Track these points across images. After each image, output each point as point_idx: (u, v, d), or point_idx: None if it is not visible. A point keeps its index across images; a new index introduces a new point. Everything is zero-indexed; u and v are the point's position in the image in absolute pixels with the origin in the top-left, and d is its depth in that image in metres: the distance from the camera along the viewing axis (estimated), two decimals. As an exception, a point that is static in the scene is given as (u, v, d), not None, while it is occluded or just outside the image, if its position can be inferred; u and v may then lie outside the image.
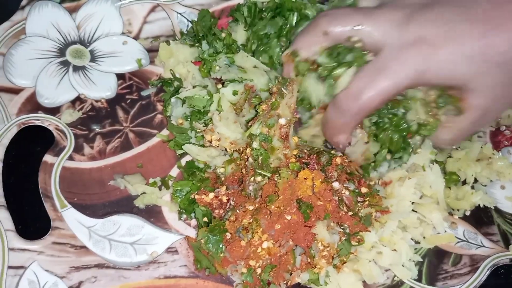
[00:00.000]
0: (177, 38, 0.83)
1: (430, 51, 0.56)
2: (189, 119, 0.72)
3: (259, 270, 0.62)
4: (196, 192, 0.67)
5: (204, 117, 0.71)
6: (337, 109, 0.62)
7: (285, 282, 0.62)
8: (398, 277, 0.64)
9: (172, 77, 0.78)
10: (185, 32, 0.84)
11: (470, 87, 0.58)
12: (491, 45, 0.55)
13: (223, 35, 0.77)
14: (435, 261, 0.66)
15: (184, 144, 0.71)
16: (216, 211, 0.67)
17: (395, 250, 0.64)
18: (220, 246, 0.62)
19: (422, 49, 0.57)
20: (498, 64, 0.55)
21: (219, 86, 0.73)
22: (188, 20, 0.86)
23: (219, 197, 0.67)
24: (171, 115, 0.74)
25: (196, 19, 0.84)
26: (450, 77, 0.58)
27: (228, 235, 0.63)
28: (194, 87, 0.74)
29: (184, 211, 0.68)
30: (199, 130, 0.71)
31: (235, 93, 0.71)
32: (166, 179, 0.71)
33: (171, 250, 0.66)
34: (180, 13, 0.86)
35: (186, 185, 0.68)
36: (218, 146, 0.70)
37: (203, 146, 0.71)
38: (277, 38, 0.75)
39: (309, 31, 0.65)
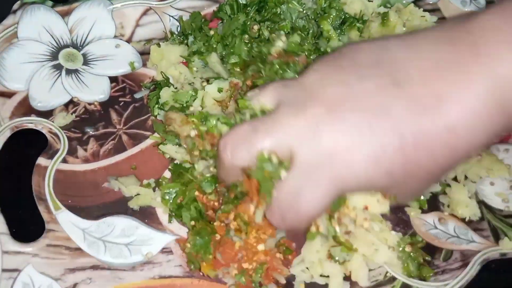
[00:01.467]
0: (168, 40, 0.84)
1: (347, 168, 0.50)
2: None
3: (251, 272, 0.63)
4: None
5: (185, 112, 0.71)
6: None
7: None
8: (390, 273, 0.65)
9: (164, 79, 0.78)
10: (175, 33, 0.85)
11: (388, 192, 0.57)
12: (410, 162, 0.49)
13: (212, 32, 0.78)
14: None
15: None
16: (210, 211, 0.68)
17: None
18: (208, 248, 0.63)
19: (337, 167, 0.50)
20: (419, 178, 0.51)
21: (204, 83, 0.73)
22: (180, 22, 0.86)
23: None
24: (158, 114, 0.75)
25: (182, 25, 0.85)
26: (370, 190, 0.56)
27: (218, 237, 0.64)
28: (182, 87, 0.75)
29: (174, 214, 0.68)
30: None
31: (220, 90, 0.71)
32: (160, 180, 0.71)
33: (166, 251, 0.67)
34: (172, 16, 0.87)
35: (174, 187, 0.69)
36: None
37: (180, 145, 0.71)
38: (241, 36, 0.75)
39: (221, 168, 0.59)
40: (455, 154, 0.49)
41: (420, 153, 0.49)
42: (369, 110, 0.50)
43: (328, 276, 0.64)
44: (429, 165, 0.50)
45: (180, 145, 0.71)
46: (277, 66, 0.68)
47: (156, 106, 0.76)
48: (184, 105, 0.71)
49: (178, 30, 0.86)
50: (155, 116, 0.76)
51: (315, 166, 0.52)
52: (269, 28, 0.76)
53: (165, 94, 0.74)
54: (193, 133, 0.66)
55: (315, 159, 0.51)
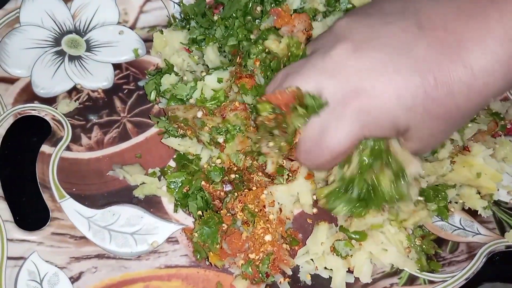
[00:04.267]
0: (171, 25, 0.83)
1: (370, 104, 0.52)
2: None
3: (258, 262, 0.63)
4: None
5: (185, 103, 0.71)
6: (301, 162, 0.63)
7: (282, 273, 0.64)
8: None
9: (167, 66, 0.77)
10: (179, 18, 0.84)
11: (408, 136, 0.56)
12: (430, 99, 0.51)
13: (216, 18, 0.77)
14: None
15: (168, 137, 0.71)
16: (216, 201, 0.68)
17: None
18: (216, 237, 0.63)
19: (363, 102, 0.53)
20: (437, 116, 0.53)
21: (204, 73, 0.72)
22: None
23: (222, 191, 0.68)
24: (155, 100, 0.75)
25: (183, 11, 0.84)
26: (390, 129, 0.55)
27: (225, 226, 0.64)
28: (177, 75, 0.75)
29: (179, 204, 0.68)
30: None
31: (220, 80, 0.70)
32: (165, 169, 0.71)
33: (171, 240, 0.66)
34: (176, 3, 0.85)
35: (179, 176, 0.68)
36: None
37: (183, 136, 0.71)
38: (243, 17, 0.74)
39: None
40: (473, 95, 0.51)
41: (440, 91, 0.50)
42: (393, 49, 0.52)
43: (332, 270, 0.64)
44: (448, 103, 0.51)
45: (183, 136, 0.70)
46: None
47: (155, 92, 0.75)
48: (184, 98, 0.71)
49: (181, 16, 0.84)
50: (152, 102, 0.76)
51: (341, 103, 0.54)
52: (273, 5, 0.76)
53: (166, 82, 0.73)
54: (199, 113, 0.66)
55: (341, 95, 0.54)
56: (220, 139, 0.66)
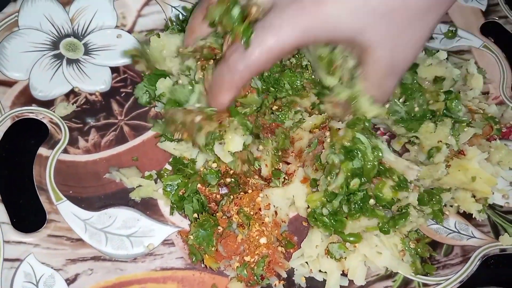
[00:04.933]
0: (169, 27, 0.83)
1: (313, 7, 0.55)
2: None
3: (253, 265, 0.63)
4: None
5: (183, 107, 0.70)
6: (226, 66, 0.61)
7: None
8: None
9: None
10: (176, 21, 0.84)
11: (364, 41, 0.57)
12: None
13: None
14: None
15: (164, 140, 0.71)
16: (212, 204, 0.68)
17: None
18: (211, 240, 0.63)
19: (306, 5, 0.55)
20: (382, 15, 0.55)
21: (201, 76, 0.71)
22: (182, 13, 0.86)
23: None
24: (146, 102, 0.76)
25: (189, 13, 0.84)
26: (337, 33, 0.56)
27: (220, 229, 0.64)
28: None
29: (175, 206, 0.68)
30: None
31: None
32: (162, 172, 0.71)
33: (167, 243, 0.67)
34: (174, 7, 0.86)
35: (176, 179, 0.68)
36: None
37: (179, 140, 0.70)
38: None
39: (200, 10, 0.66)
40: None
41: None
42: None
43: (326, 272, 0.65)
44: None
45: (179, 140, 0.71)
46: None
47: (147, 95, 0.75)
48: (183, 102, 0.70)
49: (179, 19, 0.85)
50: (144, 105, 0.76)
51: (287, 5, 0.56)
52: None
53: (162, 85, 0.73)
54: (198, 118, 0.66)
55: (294, 7, 0.55)
56: (210, 156, 0.66)
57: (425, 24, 0.58)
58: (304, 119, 0.68)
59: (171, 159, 0.72)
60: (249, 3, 0.59)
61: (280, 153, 0.68)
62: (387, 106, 0.72)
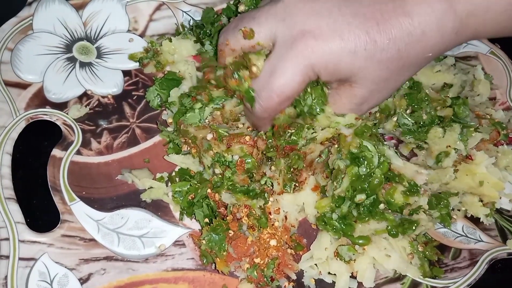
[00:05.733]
0: (180, 33, 0.85)
1: (316, 45, 0.56)
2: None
3: (263, 267, 0.64)
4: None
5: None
6: (247, 110, 0.65)
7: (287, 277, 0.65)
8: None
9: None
10: (187, 27, 0.86)
11: (354, 80, 0.59)
12: (373, 42, 0.55)
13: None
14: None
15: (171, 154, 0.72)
16: (222, 209, 0.69)
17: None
18: (223, 244, 0.64)
19: (308, 43, 0.56)
20: (379, 61, 0.57)
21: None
22: (193, 18, 0.87)
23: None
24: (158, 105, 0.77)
25: (200, 17, 0.86)
26: (336, 71, 0.58)
27: (231, 233, 0.65)
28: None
29: (185, 212, 0.69)
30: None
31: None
32: (173, 175, 0.72)
33: (178, 243, 0.68)
34: (185, 12, 0.87)
35: (184, 185, 0.69)
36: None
37: (188, 153, 0.72)
38: None
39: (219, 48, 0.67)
40: (412, 42, 0.56)
41: (383, 36, 0.56)
42: (343, 9, 0.57)
43: (335, 275, 0.65)
44: (390, 48, 0.56)
45: (185, 153, 0.71)
46: None
47: (158, 98, 0.77)
48: (198, 123, 0.70)
49: (190, 24, 0.86)
50: (153, 107, 0.77)
51: (289, 44, 0.58)
52: None
53: (174, 94, 0.75)
54: (209, 136, 0.67)
55: (289, 37, 0.58)
56: (217, 170, 0.67)
57: (407, 74, 0.62)
58: (316, 132, 0.69)
59: (178, 169, 0.73)
60: (248, 59, 0.61)
61: (292, 173, 0.68)
62: (394, 119, 0.73)
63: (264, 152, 0.68)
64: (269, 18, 0.60)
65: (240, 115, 0.71)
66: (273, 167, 0.68)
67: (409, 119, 0.72)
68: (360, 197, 0.61)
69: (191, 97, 0.71)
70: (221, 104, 0.70)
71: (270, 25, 0.59)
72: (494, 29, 0.58)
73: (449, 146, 0.69)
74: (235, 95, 0.68)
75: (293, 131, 0.66)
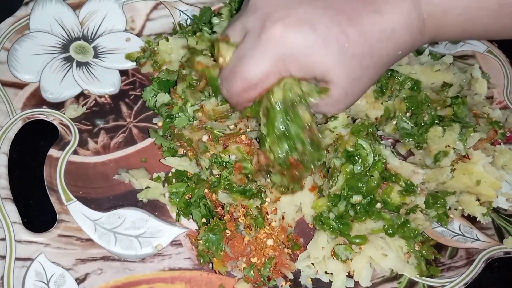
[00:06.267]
0: (177, 31, 0.85)
1: (285, 32, 0.55)
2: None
3: (260, 266, 0.64)
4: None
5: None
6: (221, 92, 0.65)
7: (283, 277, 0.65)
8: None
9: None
10: (184, 25, 0.86)
11: (329, 78, 0.57)
12: (345, 35, 0.55)
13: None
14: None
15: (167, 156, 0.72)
16: (219, 209, 0.69)
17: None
18: (220, 244, 0.64)
19: (278, 30, 0.55)
20: (352, 56, 0.56)
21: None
22: (190, 18, 0.87)
23: None
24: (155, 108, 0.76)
25: (194, 17, 0.86)
26: (309, 65, 0.56)
27: (228, 233, 0.65)
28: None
29: (182, 213, 0.69)
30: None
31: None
32: (170, 175, 0.72)
33: (175, 243, 0.67)
34: (182, 11, 0.87)
35: (181, 186, 0.69)
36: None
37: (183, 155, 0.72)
38: None
39: None
40: (384, 38, 0.57)
41: (354, 30, 0.56)
42: (313, 3, 0.56)
43: (332, 274, 0.65)
44: (361, 43, 0.56)
45: (182, 156, 0.71)
46: None
47: (154, 99, 0.76)
48: (187, 126, 0.70)
49: (187, 23, 0.86)
50: (150, 108, 0.77)
51: (258, 33, 0.56)
52: None
53: (161, 100, 0.74)
54: (205, 137, 0.67)
55: (259, 26, 0.57)
56: (215, 171, 0.67)
57: (379, 73, 0.61)
58: None
59: (174, 170, 0.72)
60: (218, 48, 0.61)
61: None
62: (394, 122, 0.73)
63: (264, 167, 0.67)
64: (241, 17, 0.60)
65: (227, 113, 0.70)
66: (268, 180, 0.66)
67: (409, 122, 0.72)
68: (356, 198, 0.61)
69: (167, 107, 0.72)
70: (199, 105, 0.70)
71: (241, 21, 0.59)
72: (454, 31, 0.59)
73: (448, 146, 0.69)
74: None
75: None
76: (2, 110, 0.73)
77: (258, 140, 0.68)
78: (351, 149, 0.63)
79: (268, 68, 0.57)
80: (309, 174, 0.66)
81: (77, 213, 0.68)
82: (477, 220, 0.70)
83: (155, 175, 0.72)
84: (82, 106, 0.77)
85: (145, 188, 0.71)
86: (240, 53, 0.59)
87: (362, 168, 0.61)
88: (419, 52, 0.81)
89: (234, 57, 0.60)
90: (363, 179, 0.61)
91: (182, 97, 0.71)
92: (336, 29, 0.55)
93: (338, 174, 0.63)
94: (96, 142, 0.74)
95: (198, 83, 0.69)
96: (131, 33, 0.85)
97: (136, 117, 0.78)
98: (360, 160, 0.62)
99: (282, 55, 0.56)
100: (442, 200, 0.67)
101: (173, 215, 0.70)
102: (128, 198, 0.70)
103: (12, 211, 0.66)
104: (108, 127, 0.76)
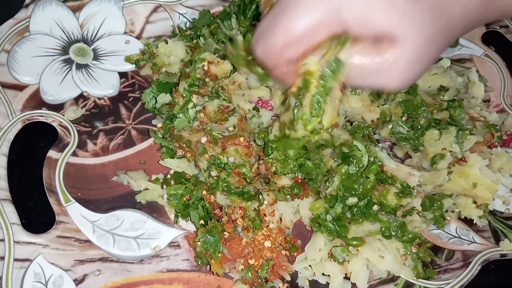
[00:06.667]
0: (176, 34, 0.85)
1: None
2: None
3: (257, 268, 0.64)
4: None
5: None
6: (255, 51, 0.55)
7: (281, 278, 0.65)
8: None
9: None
10: (184, 28, 0.86)
11: (396, 35, 0.48)
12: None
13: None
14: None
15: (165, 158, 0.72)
16: (217, 210, 0.69)
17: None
18: (218, 246, 0.64)
19: None
20: (422, 10, 0.47)
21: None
22: (189, 20, 0.88)
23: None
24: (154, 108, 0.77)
25: (194, 20, 0.86)
26: (369, 18, 0.47)
27: (226, 234, 0.65)
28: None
29: (180, 214, 0.69)
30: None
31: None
32: (168, 177, 0.72)
33: (173, 245, 0.68)
34: (181, 14, 0.88)
35: (179, 188, 0.70)
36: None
37: (181, 157, 0.72)
38: None
39: None
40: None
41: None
42: None
43: (329, 276, 0.66)
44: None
45: (180, 157, 0.72)
46: None
47: (154, 100, 0.77)
48: (187, 127, 0.71)
49: (187, 26, 0.87)
50: (149, 109, 0.78)
51: None
52: None
53: (161, 100, 0.75)
54: (204, 139, 0.67)
55: None
56: (213, 173, 0.67)
57: (446, 41, 0.52)
58: None
59: (173, 172, 0.73)
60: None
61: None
62: (390, 126, 0.73)
63: (263, 176, 0.67)
64: None
65: (227, 115, 0.71)
66: (266, 187, 0.67)
67: (404, 126, 0.73)
68: (352, 200, 0.62)
69: (168, 106, 0.72)
70: (202, 106, 0.70)
71: None
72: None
73: (445, 149, 0.70)
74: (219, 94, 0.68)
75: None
76: (1, 111, 0.74)
77: (256, 142, 0.68)
78: (347, 150, 0.63)
79: (318, 18, 0.48)
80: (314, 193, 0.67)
81: (75, 215, 0.68)
82: (474, 222, 0.71)
83: (153, 176, 0.72)
84: (82, 108, 0.78)
85: (144, 189, 0.71)
86: (286, 1, 0.50)
87: (357, 168, 0.62)
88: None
89: (278, 3, 0.50)
90: (359, 180, 0.62)
91: (184, 95, 0.71)
92: None
93: (334, 175, 0.63)
94: (95, 144, 0.75)
95: (201, 82, 0.70)
96: (130, 35, 0.85)
97: (135, 119, 0.78)
98: (355, 160, 0.62)
99: (337, 3, 0.47)
100: (439, 203, 0.67)
101: (172, 216, 0.70)
102: (127, 200, 0.71)
103: (11, 212, 0.66)
104: (107, 129, 0.76)
